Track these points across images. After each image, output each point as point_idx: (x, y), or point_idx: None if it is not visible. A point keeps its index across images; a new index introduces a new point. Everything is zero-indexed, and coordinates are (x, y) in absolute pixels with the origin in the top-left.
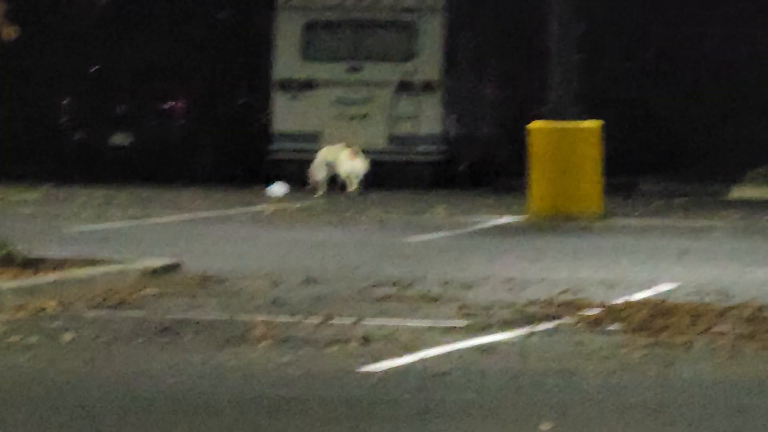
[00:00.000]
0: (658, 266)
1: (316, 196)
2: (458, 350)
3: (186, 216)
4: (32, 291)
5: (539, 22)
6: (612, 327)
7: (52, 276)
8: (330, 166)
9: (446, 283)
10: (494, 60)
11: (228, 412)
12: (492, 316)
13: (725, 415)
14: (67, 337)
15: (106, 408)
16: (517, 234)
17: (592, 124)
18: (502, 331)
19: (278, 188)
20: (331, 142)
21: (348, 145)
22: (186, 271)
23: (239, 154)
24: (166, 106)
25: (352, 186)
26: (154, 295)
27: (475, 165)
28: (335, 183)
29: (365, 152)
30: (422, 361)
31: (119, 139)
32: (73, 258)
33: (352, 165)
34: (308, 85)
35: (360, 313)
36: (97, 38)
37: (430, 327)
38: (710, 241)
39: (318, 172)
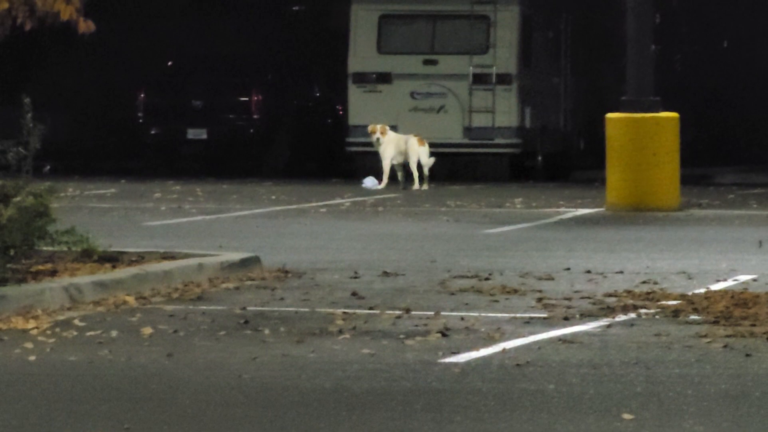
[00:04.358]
0: (737, 257)
1: (381, 186)
2: (538, 341)
3: (263, 210)
4: (111, 285)
5: (615, 13)
6: (691, 318)
7: (130, 270)
8: (400, 153)
9: (525, 274)
10: (570, 52)
11: (309, 405)
12: (572, 307)
13: None
14: (147, 331)
15: (186, 401)
16: (595, 225)
17: (669, 116)
18: (582, 322)
19: (372, 182)
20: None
21: (416, 135)
22: (264, 264)
23: (315, 148)
24: (242, 100)
25: (420, 180)
26: (232, 289)
27: (551, 157)
28: (396, 173)
29: (441, 145)
30: (502, 352)
31: (195, 133)
32: (152, 252)
33: (418, 153)
34: (384, 78)
35: (439, 305)
36: (173, 33)
37: (510, 318)
38: None
39: (385, 161)
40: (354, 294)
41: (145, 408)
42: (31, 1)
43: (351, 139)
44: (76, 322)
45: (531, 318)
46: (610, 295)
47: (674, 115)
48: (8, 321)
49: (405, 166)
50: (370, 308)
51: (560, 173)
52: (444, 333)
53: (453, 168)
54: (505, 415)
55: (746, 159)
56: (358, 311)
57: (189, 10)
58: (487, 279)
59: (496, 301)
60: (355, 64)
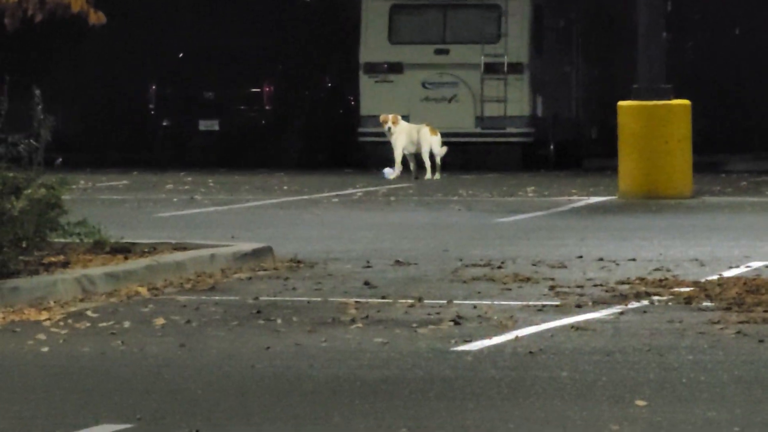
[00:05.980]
0: (749, 244)
1: (392, 176)
2: (551, 329)
3: (275, 200)
4: (123, 277)
5: (626, 1)
6: (704, 304)
7: (143, 261)
8: (412, 142)
9: (537, 262)
10: (581, 40)
11: (322, 394)
12: (584, 294)
13: None
14: (159, 321)
15: (199, 392)
16: (608, 213)
17: (682, 103)
18: (595, 309)
19: (392, 170)
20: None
21: (428, 124)
22: (277, 254)
23: (327, 138)
24: (253, 91)
25: (432, 170)
26: (245, 279)
27: (563, 145)
28: (408, 163)
29: (453, 134)
30: (515, 340)
31: (207, 124)
32: (164, 243)
33: (430, 143)
34: (395, 68)
35: (452, 293)
36: (184, 23)
37: (523, 306)
38: None
39: (397, 150)
40: (366, 283)
41: (157, 398)
42: None
43: (363, 129)
44: (89, 313)
45: (544, 306)
46: (623, 283)
47: (686, 102)
48: (21, 312)
49: (417, 156)
50: (383, 297)
51: (572, 162)
52: (457, 321)
53: (465, 157)
54: (518, 403)
55: (758, 146)
56: (370, 300)
57: (200, 1)
58: (499, 267)
59: (509, 289)
60: (366, 55)
